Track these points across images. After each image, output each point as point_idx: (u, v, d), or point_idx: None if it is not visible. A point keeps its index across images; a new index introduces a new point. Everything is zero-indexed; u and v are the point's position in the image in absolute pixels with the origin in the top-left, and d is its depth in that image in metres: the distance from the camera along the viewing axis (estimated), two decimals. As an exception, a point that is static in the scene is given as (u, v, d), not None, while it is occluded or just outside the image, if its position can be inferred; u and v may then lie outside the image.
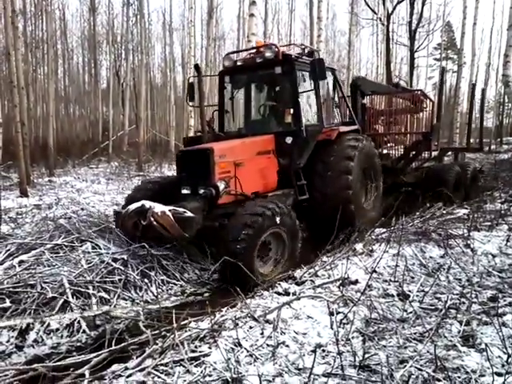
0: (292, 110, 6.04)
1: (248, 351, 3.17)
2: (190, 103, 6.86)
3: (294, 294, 4.20)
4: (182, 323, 3.47)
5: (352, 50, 23.87)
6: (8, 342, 3.61)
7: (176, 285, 4.97)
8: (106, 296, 4.24)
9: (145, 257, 4.99)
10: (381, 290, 4.23)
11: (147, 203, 4.71)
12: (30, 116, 15.35)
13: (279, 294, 4.33)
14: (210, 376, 2.87)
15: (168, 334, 3.30)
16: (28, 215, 7.93)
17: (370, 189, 7.14)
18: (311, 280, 4.52)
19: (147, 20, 23.61)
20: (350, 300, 3.91)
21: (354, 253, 5.05)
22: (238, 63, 6.56)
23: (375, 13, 23.99)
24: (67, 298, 4.02)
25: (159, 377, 2.82)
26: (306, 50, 6.73)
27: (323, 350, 3.19)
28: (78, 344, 3.70)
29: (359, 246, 5.18)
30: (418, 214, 6.88)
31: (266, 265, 5.07)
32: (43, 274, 4.40)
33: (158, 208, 4.59)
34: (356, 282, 4.26)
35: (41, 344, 3.65)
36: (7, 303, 3.80)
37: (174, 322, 3.43)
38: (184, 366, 2.97)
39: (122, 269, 4.54)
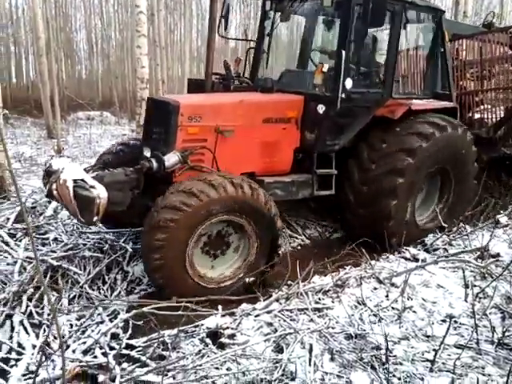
0: (326, 67, 4.09)
1: (372, 311, 3.14)
2: (224, 32, 4.96)
3: (423, 260, 3.99)
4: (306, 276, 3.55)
5: (507, -5, 20.44)
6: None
7: (297, 239, 5.07)
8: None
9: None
10: (528, 267, 3.77)
11: (57, 163, 3.49)
12: (168, 75, 16.65)
13: (406, 259, 4.16)
14: (333, 328, 2.93)
15: (293, 283, 3.42)
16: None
17: (445, 196, 4.88)
18: (444, 248, 4.22)
19: (277, -25, 23.26)
20: (490, 274, 3.58)
21: (497, 225, 4.54)
22: None
23: None
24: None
25: (285, 320, 2.96)
26: None
27: (455, 322, 3.01)
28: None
29: (504, 219, 4.64)
30: None
31: (220, 266, 3.62)
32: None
33: (65, 174, 3.31)
34: (497, 255, 3.85)
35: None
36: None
37: (299, 273, 3.53)
38: (308, 315, 3.07)
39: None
